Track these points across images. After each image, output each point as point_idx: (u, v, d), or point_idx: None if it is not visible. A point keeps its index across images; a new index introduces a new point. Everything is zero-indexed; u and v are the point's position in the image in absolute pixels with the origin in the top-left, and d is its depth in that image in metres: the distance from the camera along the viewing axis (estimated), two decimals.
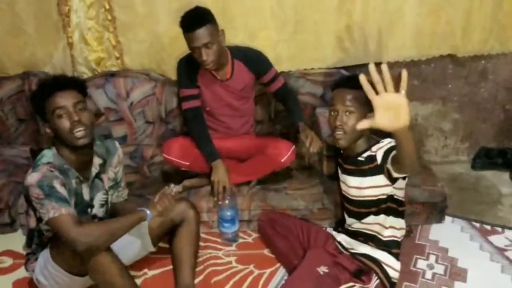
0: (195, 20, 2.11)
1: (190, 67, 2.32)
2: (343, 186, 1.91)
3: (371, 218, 1.84)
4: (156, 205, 1.81)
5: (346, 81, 1.80)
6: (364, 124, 1.42)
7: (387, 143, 1.75)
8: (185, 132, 2.69)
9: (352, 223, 1.91)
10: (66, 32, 2.60)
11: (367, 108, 1.75)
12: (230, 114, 2.44)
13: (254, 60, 2.35)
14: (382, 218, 1.82)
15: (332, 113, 1.79)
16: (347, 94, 1.75)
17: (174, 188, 1.87)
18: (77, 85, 1.70)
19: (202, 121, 2.39)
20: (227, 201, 2.23)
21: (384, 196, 1.78)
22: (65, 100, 1.65)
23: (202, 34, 2.09)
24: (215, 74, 2.31)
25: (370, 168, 1.77)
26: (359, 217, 1.87)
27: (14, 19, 2.58)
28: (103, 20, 2.59)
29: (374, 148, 1.78)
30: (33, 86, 2.61)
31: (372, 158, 1.76)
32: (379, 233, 1.85)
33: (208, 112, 2.43)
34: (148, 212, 1.78)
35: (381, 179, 1.74)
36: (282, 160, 2.35)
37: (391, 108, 1.36)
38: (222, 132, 2.48)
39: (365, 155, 1.80)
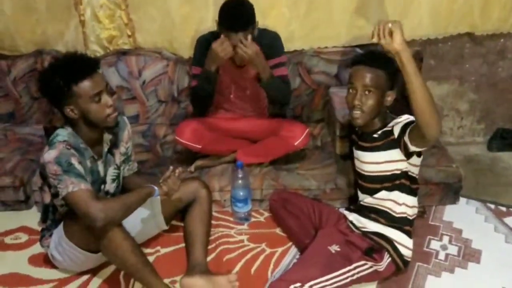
0: (239, 22, 2.10)
1: (207, 47, 2.26)
2: (357, 163, 1.91)
3: (384, 194, 1.84)
4: (161, 187, 1.81)
5: (367, 58, 1.77)
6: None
7: (404, 118, 1.73)
8: (197, 113, 2.68)
9: (365, 198, 1.91)
10: (78, 10, 2.58)
11: (386, 87, 1.74)
12: (243, 96, 2.42)
13: (269, 43, 2.32)
14: (395, 194, 1.82)
15: (351, 90, 1.78)
16: (367, 73, 1.73)
17: (177, 170, 1.86)
18: (99, 66, 1.69)
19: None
20: (240, 181, 2.22)
21: (399, 172, 1.77)
22: (99, 84, 1.65)
23: (242, 35, 2.10)
24: (234, 59, 2.28)
25: (385, 143, 1.77)
26: (373, 192, 1.87)
27: None
28: None
29: (390, 124, 1.77)
30: (46, 64, 2.60)
31: (388, 132, 1.76)
32: (391, 209, 1.84)
33: (223, 93, 2.41)
34: (156, 188, 1.79)
35: (396, 153, 1.73)
36: (296, 143, 2.33)
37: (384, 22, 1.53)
38: (235, 112, 2.46)
39: (380, 132, 1.79)
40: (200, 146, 2.34)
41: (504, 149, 2.83)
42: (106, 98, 1.68)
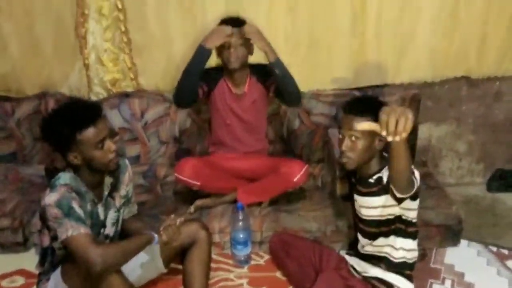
0: (237, 21, 2.29)
1: (213, 75, 2.41)
2: (355, 205, 1.91)
3: (381, 240, 1.83)
4: (161, 235, 1.80)
5: (353, 105, 1.79)
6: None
7: None
8: (198, 153, 2.71)
9: (365, 245, 1.89)
10: (83, 53, 2.65)
11: (374, 133, 1.74)
12: (243, 128, 2.46)
13: (262, 69, 2.40)
14: (392, 239, 1.81)
15: (340, 136, 1.81)
16: (352, 120, 1.74)
17: (178, 219, 1.86)
18: (101, 111, 1.71)
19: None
20: (240, 223, 2.22)
21: (392, 216, 1.77)
22: (103, 131, 1.67)
23: (240, 32, 2.25)
24: (232, 89, 2.39)
25: (379, 188, 1.77)
26: (371, 237, 1.86)
27: (32, 41, 2.64)
28: (119, 42, 2.63)
29: (383, 170, 1.77)
30: (50, 106, 2.65)
31: (380, 178, 1.76)
32: (390, 255, 1.83)
33: (224, 127, 2.45)
34: (155, 236, 1.79)
35: (388, 199, 1.73)
36: (295, 180, 2.34)
37: (394, 112, 1.38)
38: (236, 149, 2.48)
39: (375, 176, 1.79)
40: (199, 183, 2.35)
41: (503, 190, 2.83)
42: (109, 144, 1.70)
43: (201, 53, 2.27)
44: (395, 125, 1.37)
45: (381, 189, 1.75)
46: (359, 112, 1.74)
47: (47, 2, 2.55)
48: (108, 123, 1.74)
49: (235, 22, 2.29)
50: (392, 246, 1.81)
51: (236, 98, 2.41)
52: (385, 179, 1.73)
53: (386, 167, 1.75)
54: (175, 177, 2.38)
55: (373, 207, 1.80)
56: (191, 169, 2.35)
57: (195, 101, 2.42)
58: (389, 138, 1.40)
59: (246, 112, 2.44)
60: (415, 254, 1.86)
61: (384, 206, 1.76)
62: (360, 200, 1.86)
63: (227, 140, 2.49)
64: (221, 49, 2.31)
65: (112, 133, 1.74)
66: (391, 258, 1.82)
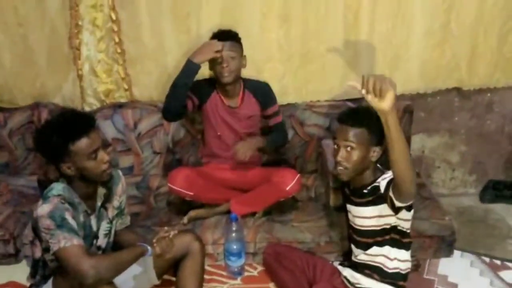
0: (228, 34, 2.30)
1: (205, 88, 2.41)
2: (349, 216, 1.91)
3: (376, 250, 1.83)
4: (155, 247, 1.79)
5: (348, 116, 1.80)
6: (352, 84, 1.53)
7: (391, 173, 1.74)
8: (191, 163, 2.71)
9: (358, 255, 1.89)
10: (76, 64, 2.65)
11: (370, 143, 1.75)
12: (236, 139, 2.45)
13: (263, 93, 2.44)
14: (386, 249, 1.81)
15: (335, 146, 1.81)
16: (348, 130, 1.75)
17: (172, 232, 1.85)
18: (94, 122, 1.71)
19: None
20: (234, 234, 2.21)
21: (388, 226, 1.77)
22: (96, 142, 1.66)
23: (231, 45, 2.26)
24: (225, 101, 2.39)
25: (374, 198, 1.77)
26: (365, 247, 1.86)
27: (26, 51, 2.63)
28: (112, 53, 2.63)
29: (379, 179, 1.77)
30: (43, 117, 2.64)
31: (376, 188, 1.76)
32: (383, 265, 1.83)
33: (216, 138, 2.45)
34: (148, 248, 1.77)
35: (384, 208, 1.73)
36: (287, 189, 2.34)
37: (375, 75, 1.47)
38: (229, 160, 2.47)
39: (370, 186, 1.79)
40: (192, 193, 2.34)
41: (496, 200, 2.85)
42: (102, 155, 1.69)
43: (189, 67, 2.25)
44: (373, 83, 1.44)
45: (378, 198, 1.75)
46: (354, 122, 1.75)
47: (41, 12, 2.55)
48: (100, 134, 1.74)
49: (227, 35, 2.29)
50: (386, 257, 1.81)
51: (229, 110, 2.42)
52: (382, 189, 1.73)
53: (383, 176, 1.76)
54: (168, 187, 2.37)
55: (368, 217, 1.80)
56: (184, 180, 2.34)
57: (183, 115, 2.42)
58: (368, 97, 1.46)
59: (239, 125, 2.44)
60: (408, 265, 1.86)
61: (380, 216, 1.77)
62: (354, 210, 1.86)
63: (219, 151, 2.48)
64: (213, 63, 2.30)
65: (105, 144, 1.73)
66: (385, 269, 1.82)
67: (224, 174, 2.47)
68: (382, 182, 1.74)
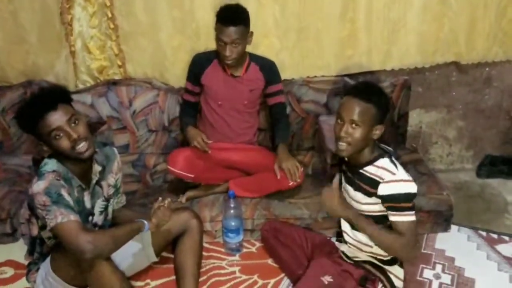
0: (233, 17, 2.21)
1: (199, 65, 2.41)
2: (345, 195, 1.88)
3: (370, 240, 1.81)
4: (151, 219, 1.78)
5: (360, 91, 1.72)
6: None
7: (390, 181, 1.68)
8: (187, 141, 2.68)
9: (348, 232, 1.87)
10: (69, 40, 2.59)
11: (374, 121, 1.70)
12: (232, 113, 2.44)
13: (269, 68, 2.44)
14: None
15: (339, 121, 1.72)
16: (356, 106, 1.67)
17: (166, 201, 1.83)
18: (63, 98, 1.65)
19: (192, 113, 2.53)
20: (232, 211, 2.21)
21: (378, 215, 1.75)
22: (58, 120, 1.60)
23: (234, 32, 2.18)
24: (228, 70, 2.37)
25: (368, 190, 1.73)
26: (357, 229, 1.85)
27: (17, 28, 2.58)
28: (105, 29, 2.58)
29: (379, 163, 1.71)
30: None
31: (374, 183, 1.70)
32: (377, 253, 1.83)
33: (214, 111, 2.43)
34: (146, 223, 1.76)
35: (376, 202, 1.73)
36: (290, 183, 2.32)
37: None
38: (226, 135, 2.45)
39: (368, 171, 1.73)
40: (193, 176, 2.31)
41: (493, 175, 2.85)
42: (68, 133, 1.61)
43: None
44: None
45: (371, 192, 1.72)
46: (364, 97, 1.68)
47: None
48: (71, 111, 1.64)
49: (231, 20, 2.18)
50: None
51: (232, 78, 2.38)
52: (381, 193, 1.68)
53: (382, 171, 1.70)
54: (169, 170, 2.33)
55: (359, 202, 1.78)
56: (185, 162, 2.30)
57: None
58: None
59: (240, 94, 2.41)
60: None
61: (374, 203, 1.74)
62: (349, 190, 1.83)
63: (217, 125, 2.45)
64: (216, 42, 2.26)
65: (80, 119, 1.65)
66: (379, 257, 1.83)
67: (223, 154, 2.43)
68: (383, 187, 1.67)
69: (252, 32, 2.29)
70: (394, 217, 1.68)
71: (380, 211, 1.73)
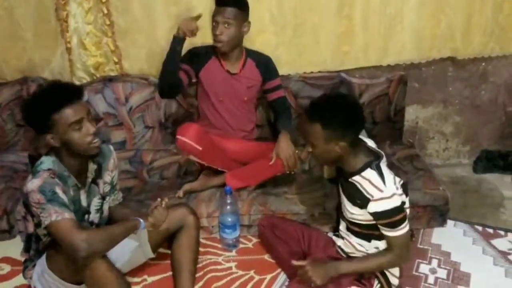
0: None
1: (200, 55, 2.36)
2: (342, 206, 1.89)
3: (362, 242, 1.84)
4: (148, 218, 1.79)
5: (306, 110, 1.76)
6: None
7: (379, 199, 1.67)
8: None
9: (343, 229, 1.91)
10: (64, 37, 2.58)
11: (328, 139, 1.69)
12: (231, 109, 2.43)
13: (265, 64, 2.42)
14: (374, 244, 1.81)
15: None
16: (307, 127, 1.74)
17: (164, 200, 1.85)
18: (81, 94, 1.68)
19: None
20: (228, 207, 2.21)
21: (366, 223, 1.77)
22: (80, 112, 1.63)
23: (228, 12, 2.19)
24: (224, 65, 2.35)
25: (356, 202, 1.75)
26: (353, 232, 1.87)
27: (12, 25, 2.57)
28: (101, 25, 2.57)
29: (366, 175, 1.70)
30: (32, 91, 2.58)
31: (364, 199, 1.70)
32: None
33: (213, 106, 2.42)
34: (142, 221, 1.77)
35: (365, 213, 1.74)
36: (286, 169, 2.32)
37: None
38: (224, 130, 2.45)
39: (357, 181, 1.72)
40: (200, 149, 2.27)
41: (489, 170, 2.86)
42: (87, 126, 1.65)
43: (172, 42, 2.22)
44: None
45: (359, 204, 1.73)
46: (310, 116, 1.72)
47: None
48: (89, 107, 1.70)
49: (229, 0, 2.21)
50: (377, 248, 1.83)
51: (228, 76, 2.37)
52: (371, 210, 1.69)
53: (370, 189, 1.68)
54: (178, 140, 2.26)
55: (348, 209, 1.80)
56: (195, 133, 2.27)
57: (180, 91, 2.38)
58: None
59: (237, 92, 2.40)
60: None
61: (357, 214, 1.77)
62: (342, 192, 1.85)
63: (215, 121, 2.44)
64: (212, 27, 2.26)
65: (93, 117, 1.70)
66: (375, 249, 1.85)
67: (222, 145, 2.44)
68: (373, 205, 1.67)
69: (249, 22, 2.29)
70: (387, 232, 1.72)
71: (370, 220, 1.75)
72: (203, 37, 2.44)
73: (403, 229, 1.70)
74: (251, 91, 2.44)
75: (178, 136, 2.27)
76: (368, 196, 1.68)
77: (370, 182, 1.68)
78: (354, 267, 1.79)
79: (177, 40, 2.21)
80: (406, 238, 1.73)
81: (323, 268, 1.74)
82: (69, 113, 1.61)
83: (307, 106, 1.80)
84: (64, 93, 1.63)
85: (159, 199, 1.85)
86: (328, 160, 1.78)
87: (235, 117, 2.45)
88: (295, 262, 1.78)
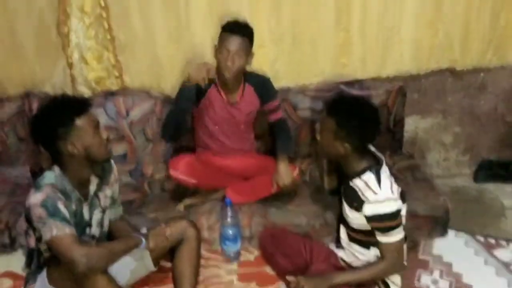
0: (241, 27, 2.18)
1: (201, 87, 2.27)
2: (344, 212, 1.90)
3: (363, 250, 1.85)
4: (149, 241, 1.82)
5: (328, 104, 1.81)
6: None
7: (373, 202, 1.70)
8: (184, 149, 2.68)
9: (344, 238, 1.92)
10: (66, 52, 2.61)
11: (340, 136, 1.72)
12: (228, 134, 2.42)
13: (264, 87, 2.38)
14: (374, 252, 1.82)
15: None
16: (322, 118, 1.79)
17: (168, 231, 1.87)
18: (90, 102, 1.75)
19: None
20: (229, 219, 2.21)
21: (363, 229, 1.79)
22: (96, 118, 1.71)
23: (240, 41, 2.14)
24: (224, 96, 2.31)
25: (353, 206, 1.77)
26: (353, 240, 1.87)
27: (14, 40, 2.59)
28: (102, 40, 2.60)
29: (364, 177, 1.73)
30: (34, 106, 2.61)
31: (360, 201, 1.73)
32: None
33: (210, 132, 2.41)
34: (143, 240, 1.79)
35: (362, 218, 1.76)
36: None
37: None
38: (222, 152, 2.45)
39: (356, 184, 1.75)
40: (195, 181, 2.31)
41: (490, 180, 2.86)
42: (102, 132, 1.73)
43: (182, 90, 2.21)
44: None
45: (355, 207, 1.75)
46: (327, 110, 1.77)
47: (27, 0, 2.51)
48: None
49: (237, 28, 2.16)
50: (374, 255, 1.83)
51: (228, 106, 2.34)
52: (365, 213, 1.71)
53: (367, 193, 1.71)
54: (171, 175, 2.32)
55: (346, 213, 1.82)
56: (186, 167, 2.30)
57: (184, 134, 2.39)
58: None
59: (237, 120, 2.38)
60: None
61: (354, 218, 1.79)
62: (345, 207, 1.86)
63: (213, 145, 2.44)
64: (218, 53, 2.19)
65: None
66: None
67: (221, 162, 2.45)
68: (367, 206, 1.70)
69: (253, 53, 2.25)
70: (380, 237, 1.73)
71: (367, 224, 1.76)
72: (201, 53, 2.46)
73: (396, 235, 1.71)
74: (250, 117, 2.42)
75: (171, 171, 2.30)
76: (363, 198, 1.71)
77: (366, 184, 1.72)
78: (348, 277, 1.79)
79: (187, 89, 2.18)
80: (398, 246, 1.73)
81: (316, 280, 1.75)
82: (91, 117, 1.67)
83: (332, 98, 1.86)
84: (80, 100, 1.70)
85: (163, 225, 1.88)
86: (330, 155, 1.82)
87: (232, 139, 2.43)
88: (288, 278, 1.80)
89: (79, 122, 1.64)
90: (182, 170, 2.30)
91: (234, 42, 2.14)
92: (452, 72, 2.77)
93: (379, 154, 1.83)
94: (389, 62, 2.69)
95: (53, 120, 1.63)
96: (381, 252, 1.76)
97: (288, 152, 2.38)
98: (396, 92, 2.67)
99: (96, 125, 1.70)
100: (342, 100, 1.84)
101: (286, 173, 2.27)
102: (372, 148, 1.87)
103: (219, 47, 2.18)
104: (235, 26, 2.17)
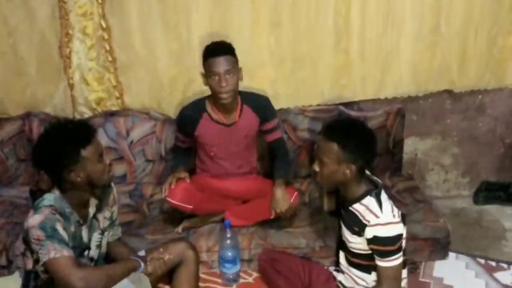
0: (220, 48, 2.17)
1: (190, 120, 2.33)
2: (343, 236, 1.89)
3: (363, 274, 1.83)
4: (147, 265, 1.80)
5: (325, 128, 1.79)
6: None
7: (375, 225, 1.70)
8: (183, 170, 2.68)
9: (343, 263, 1.91)
10: (67, 73, 2.63)
11: (341, 160, 1.71)
12: (229, 158, 2.42)
13: (262, 106, 2.37)
14: (374, 277, 1.80)
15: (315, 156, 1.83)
16: (322, 144, 1.75)
17: (166, 256, 1.86)
18: (94, 128, 1.75)
19: (184, 156, 2.50)
20: (228, 241, 2.20)
21: (364, 252, 1.78)
22: (100, 145, 1.72)
23: (225, 60, 2.13)
24: (222, 118, 2.31)
25: (354, 230, 1.76)
26: (353, 265, 1.86)
27: (16, 61, 2.62)
28: (103, 61, 2.62)
29: (365, 201, 1.73)
30: (34, 126, 2.63)
31: (362, 225, 1.72)
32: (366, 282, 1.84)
33: (209, 155, 2.42)
34: (142, 264, 1.78)
35: (362, 241, 1.75)
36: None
37: None
38: (223, 175, 2.45)
39: (356, 209, 1.75)
40: (191, 207, 2.30)
41: (489, 202, 2.86)
42: (105, 157, 1.74)
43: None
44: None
45: (357, 231, 1.75)
46: (327, 136, 1.74)
47: (30, 22, 2.54)
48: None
49: (221, 49, 2.16)
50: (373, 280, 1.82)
51: (225, 129, 2.33)
52: (367, 236, 1.71)
53: (369, 212, 1.71)
54: (167, 201, 2.30)
55: (346, 237, 1.81)
56: (183, 193, 2.29)
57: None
58: None
59: (236, 141, 2.37)
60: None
61: (355, 243, 1.78)
62: (344, 231, 1.86)
63: (212, 167, 2.44)
64: (209, 79, 2.17)
65: None
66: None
67: (220, 184, 2.44)
68: (369, 230, 1.70)
69: (241, 68, 2.24)
70: (379, 262, 1.72)
71: (368, 250, 1.75)
72: None
73: (394, 261, 1.70)
74: (248, 138, 2.41)
75: (168, 198, 2.28)
76: (365, 222, 1.70)
77: (367, 208, 1.71)
78: None
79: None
80: (397, 271, 1.72)
81: None
82: (95, 147, 1.67)
83: (325, 124, 1.83)
84: (84, 129, 1.68)
85: (161, 250, 1.87)
86: (333, 182, 1.78)
87: (231, 161, 2.43)
88: None
89: (84, 153, 1.64)
90: (178, 197, 2.27)
91: (221, 64, 2.13)
92: (450, 93, 2.78)
93: (375, 178, 1.83)
94: (388, 83, 2.71)
95: (57, 150, 1.62)
96: (378, 276, 1.74)
97: (286, 175, 2.35)
98: (395, 113, 2.68)
99: (101, 153, 1.70)
100: (338, 123, 1.84)
101: (282, 199, 2.23)
102: (368, 173, 1.86)
103: (208, 74, 2.18)
104: (215, 48, 2.17)
